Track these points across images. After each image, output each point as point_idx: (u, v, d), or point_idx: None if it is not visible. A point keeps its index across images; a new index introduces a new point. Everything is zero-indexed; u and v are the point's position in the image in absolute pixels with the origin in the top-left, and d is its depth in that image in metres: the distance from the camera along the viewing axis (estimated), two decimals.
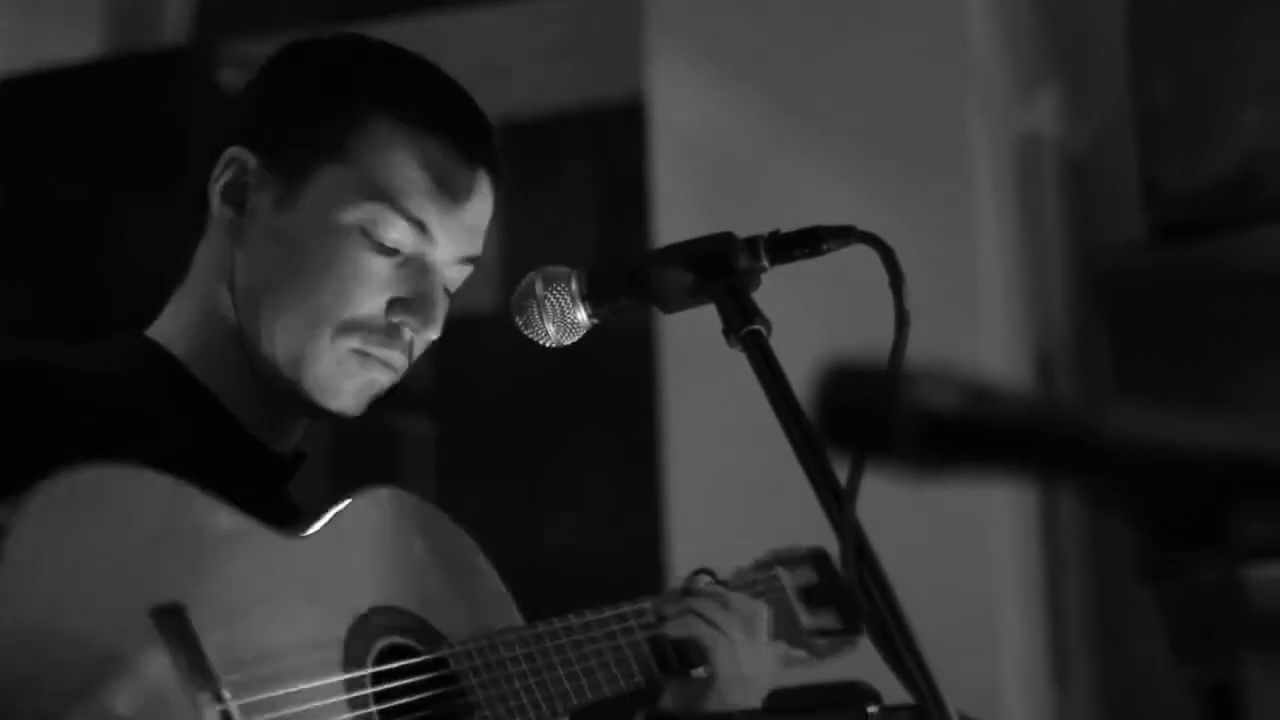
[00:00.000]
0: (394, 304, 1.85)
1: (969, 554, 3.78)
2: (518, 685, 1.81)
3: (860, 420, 0.87)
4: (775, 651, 1.94)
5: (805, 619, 2.04)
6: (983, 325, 3.86)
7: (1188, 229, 3.93)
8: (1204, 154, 3.89)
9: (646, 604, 1.93)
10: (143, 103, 4.63)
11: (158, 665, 1.57)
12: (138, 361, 1.89)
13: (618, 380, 4.33)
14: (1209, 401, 3.80)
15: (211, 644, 1.60)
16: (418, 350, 1.90)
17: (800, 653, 2.01)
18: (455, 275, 1.90)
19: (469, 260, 1.90)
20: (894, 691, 1.50)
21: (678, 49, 4.12)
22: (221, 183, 1.89)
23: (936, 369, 0.87)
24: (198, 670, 1.58)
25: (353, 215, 1.82)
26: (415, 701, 1.75)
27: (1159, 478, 0.89)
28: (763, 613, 1.93)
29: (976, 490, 3.61)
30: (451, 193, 1.86)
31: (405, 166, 1.84)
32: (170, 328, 1.92)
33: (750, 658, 1.88)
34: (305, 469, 1.97)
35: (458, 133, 1.88)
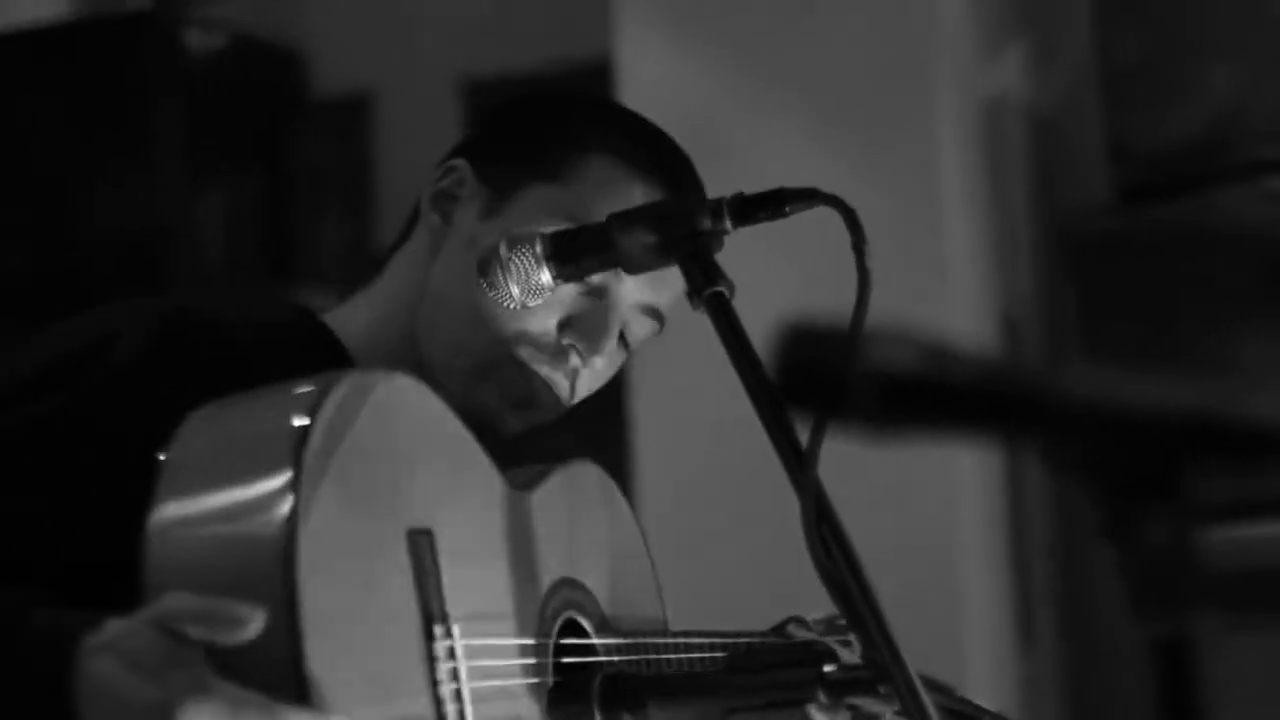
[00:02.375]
0: (565, 325, 1.84)
1: (932, 515, 3.80)
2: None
3: (818, 380, 0.87)
4: None
5: None
6: (949, 286, 3.87)
7: (1154, 189, 3.94)
8: (1171, 114, 3.90)
9: (783, 639, 1.92)
10: (109, 65, 4.62)
11: (399, 585, 1.57)
12: (304, 338, 1.89)
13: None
14: (1174, 361, 3.81)
15: (449, 579, 1.60)
16: (583, 385, 1.89)
17: None
18: (637, 324, 1.89)
19: (654, 312, 1.89)
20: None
21: (645, 10, 4.11)
22: (436, 189, 1.90)
23: (895, 329, 0.88)
24: (437, 600, 1.58)
25: (549, 230, 1.79)
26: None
27: (1113, 437, 0.89)
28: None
29: (940, 451, 3.62)
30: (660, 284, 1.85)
31: (613, 199, 1.83)
32: (348, 319, 1.92)
33: None
34: None
35: (669, 183, 1.88)
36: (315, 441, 1.50)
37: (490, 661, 1.62)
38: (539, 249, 1.73)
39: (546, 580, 1.75)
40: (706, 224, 1.67)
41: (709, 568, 3.71)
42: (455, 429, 1.69)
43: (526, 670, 1.68)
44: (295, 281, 5.07)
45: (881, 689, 1.49)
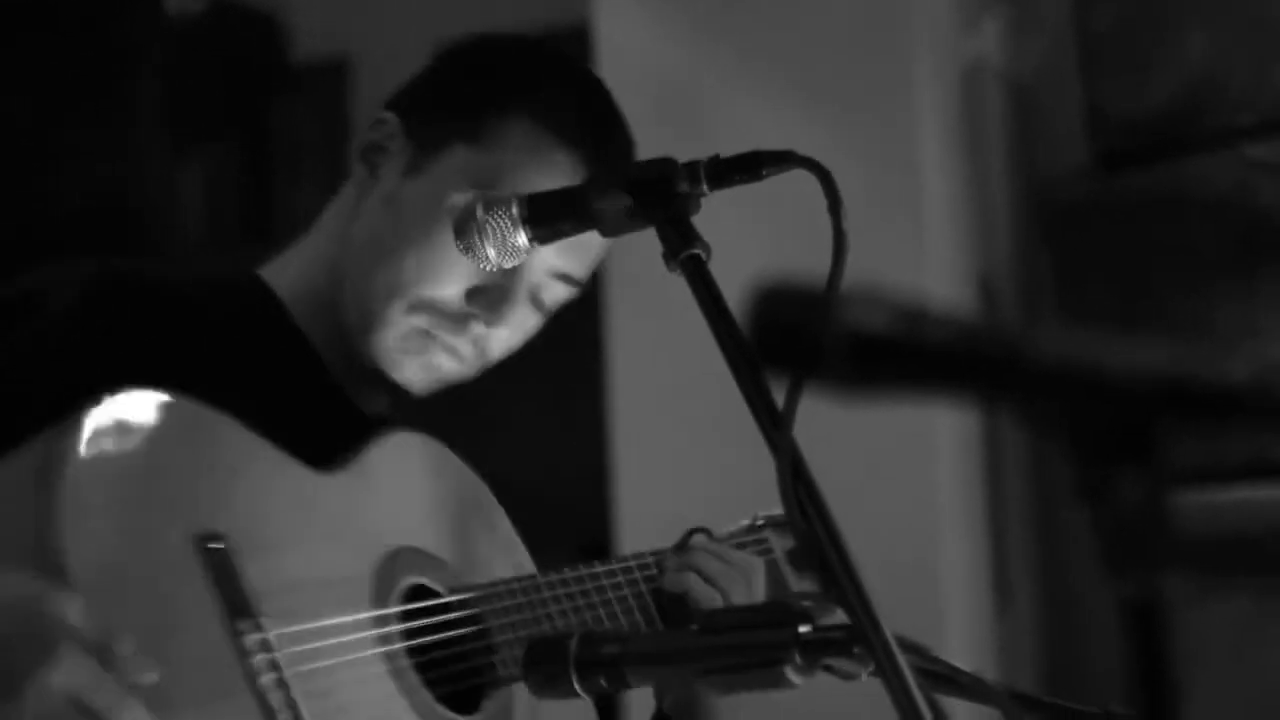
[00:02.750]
0: (472, 293, 1.88)
1: (910, 477, 3.81)
2: (532, 630, 1.83)
3: (792, 341, 0.88)
4: None
5: (793, 582, 2.06)
6: (926, 250, 3.87)
7: (1131, 156, 3.94)
8: (1148, 81, 3.90)
9: (649, 556, 1.95)
10: (88, 30, 4.60)
11: (195, 593, 1.57)
12: (242, 294, 1.90)
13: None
14: (1150, 327, 3.82)
15: (247, 574, 1.61)
16: (492, 349, 1.92)
17: None
18: (552, 289, 1.93)
19: (568, 279, 1.92)
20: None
21: None
22: (366, 141, 1.94)
23: (869, 291, 0.88)
24: (238, 598, 1.58)
25: (462, 198, 1.83)
26: (439, 641, 1.77)
27: (1087, 398, 0.90)
28: (760, 569, 1.95)
29: (917, 414, 3.63)
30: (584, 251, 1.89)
31: (528, 169, 1.87)
32: (281, 272, 1.95)
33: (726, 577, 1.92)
34: None
35: (592, 153, 1.91)
36: (68, 486, 1.51)
37: (317, 644, 1.63)
38: (515, 211, 1.73)
39: (376, 553, 1.75)
40: (683, 187, 1.68)
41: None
42: (229, 430, 1.69)
43: (367, 643, 1.68)
44: (274, 247, 5.07)
45: (857, 650, 1.50)
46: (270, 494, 1.69)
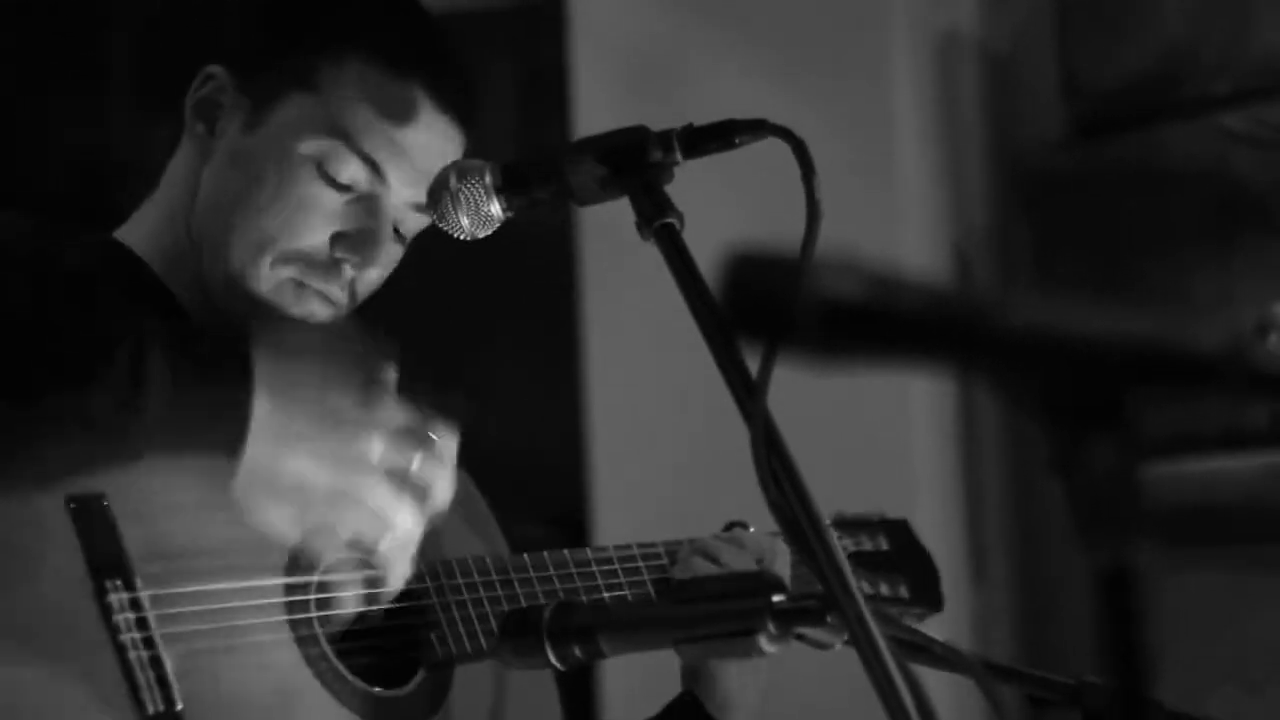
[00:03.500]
0: (337, 239, 1.87)
1: (884, 448, 3.81)
2: (488, 610, 1.81)
3: (766, 309, 0.87)
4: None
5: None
6: (901, 219, 3.87)
7: (1107, 124, 3.94)
8: (1124, 49, 3.89)
9: (659, 547, 1.93)
10: None
11: (66, 554, 1.56)
12: (102, 257, 1.89)
13: (537, 274, 4.32)
14: (1125, 296, 3.83)
15: (133, 535, 1.59)
16: (362, 290, 1.91)
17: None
18: (410, 220, 1.91)
19: (424, 207, 1.89)
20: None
21: None
22: (197, 98, 1.92)
23: (843, 259, 0.88)
24: (109, 558, 1.57)
25: (310, 147, 1.85)
26: (364, 614, 1.75)
27: (1060, 366, 0.90)
28: (781, 553, 1.93)
29: (892, 382, 3.63)
30: (410, 137, 1.87)
31: (367, 106, 1.86)
32: (136, 232, 1.93)
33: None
34: None
35: (428, 82, 1.89)
36: None
37: (200, 607, 1.61)
38: (488, 180, 1.73)
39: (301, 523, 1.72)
40: (656, 155, 1.67)
41: (661, 505, 3.72)
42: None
43: (267, 611, 1.67)
44: None
45: (830, 619, 1.50)
46: (170, 461, 1.66)
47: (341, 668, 1.71)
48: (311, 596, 1.71)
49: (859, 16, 3.91)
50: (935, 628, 1.90)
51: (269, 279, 1.85)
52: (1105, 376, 0.89)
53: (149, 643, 1.58)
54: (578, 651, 1.58)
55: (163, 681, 1.58)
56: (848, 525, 2.10)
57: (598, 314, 3.97)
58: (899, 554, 2.08)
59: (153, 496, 1.64)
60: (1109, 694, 0.91)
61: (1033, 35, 4.23)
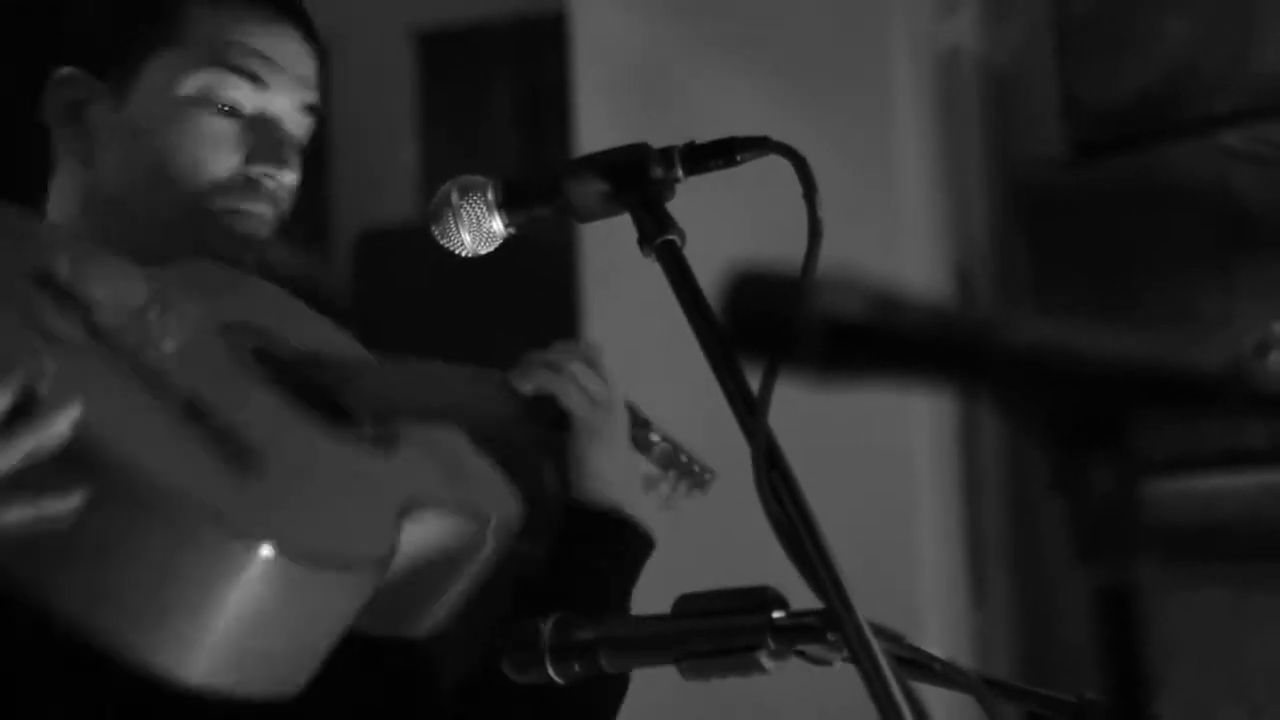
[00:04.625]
0: (248, 159, 1.90)
1: (886, 465, 3.81)
2: (396, 399, 1.86)
3: (767, 327, 0.87)
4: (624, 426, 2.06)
5: (657, 435, 2.17)
6: (902, 237, 3.87)
7: (1107, 143, 3.95)
8: (1125, 67, 3.90)
9: (498, 372, 1.98)
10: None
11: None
12: None
13: (538, 290, 4.33)
14: (1126, 315, 3.83)
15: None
16: (283, 196, 1.95)
17: (657, 469, 2.13)
18: (299, 126, 1.96)
19: (310, 109, 1.96)
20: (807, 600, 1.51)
21: None
22: (57, 107, 1.93)
23: (844, 277, 0.88)
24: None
25: (189, 86, 1.88)
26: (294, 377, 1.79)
27: (1061, 385, 0.90)
28: (598, 349, 2.04)
29: (893, 400, 3.63)
30: (275, 46, 1.92)
31: (226, 33, 1.90)
32: None
33: (599, 389, 2.01)
34: None
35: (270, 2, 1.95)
36: None
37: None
38: (490, 196, 1.74)
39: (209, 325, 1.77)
40: (658, 172, 1.67)
41: (662, 524, 3.71)
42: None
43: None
44: None
45: (831, 636, 1.50)
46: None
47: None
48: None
49: (861, 34, 3.92)
50: (935, 645, 1.90)
51: (199, 222, 1.88)
52: (1106, 395, 0.90)
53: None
54: (578, 667, 1.58)
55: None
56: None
57: (599, 330, 3.97)
58: None
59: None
60: (1110, 712, 0.90)
61: (1034, 54, 4.24)
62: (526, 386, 1.97)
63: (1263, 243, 3.77)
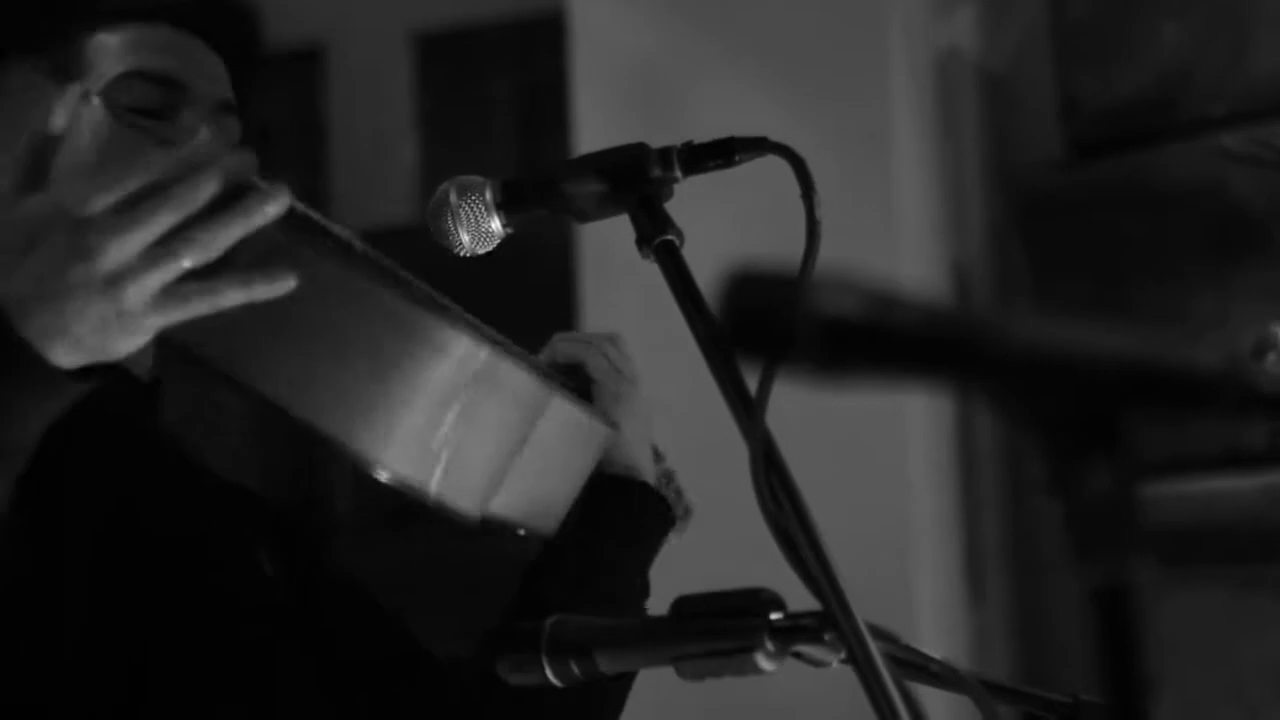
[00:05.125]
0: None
1: (883, 465, 3.81)
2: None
3: (762, 325, 0.87)
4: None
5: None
6: (900, 238, 3.88)
7: (1104, 145, 3.95)
8: (1122, 70, 3.90)
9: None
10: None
11: None
12: None
13: (536, 291, 4.33)
14: (1122, 315, 3.83)
15: None
16: None
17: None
18: (227, 129, 1.91)
19: (228, 106, 1.91)
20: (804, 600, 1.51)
21: None
22: None
23: (839, 276, 0.88)
24: None
25: (72, 94, 1.76)
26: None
27: (1057, 386, 0.90)
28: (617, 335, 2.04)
29: (890, 401, 3.63)
30: (183, 62, 1.88)
31: (134, 57, 1.85)
32: None
33: (623, 360, 2.01)
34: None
35: (161, 19, 1.91)
36: None
37: None
38: (488, 196, 1.74)
39: None
40: (656, 172, 1.68)
41: None
42: None
43: None
44: None
45: (829, 637, 1.50)
46: None
47: None
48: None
49: (858, 36, 3.92)
50: (932, 646, 1.90)
51: None
52: (1103, 396, 0.90)
53: None
54: (575, 668, 1.58)
55: None
56: None
57: (597, 329, 3.97)
58: None
59: None
60: (1106, 713, 0.91)
61: (1031, 56, 4.24)
62: (552, 354, 1.97)
63: (1259, 244, 3.78)
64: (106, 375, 1.48)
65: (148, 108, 1.84)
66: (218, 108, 1.90)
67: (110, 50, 1.87)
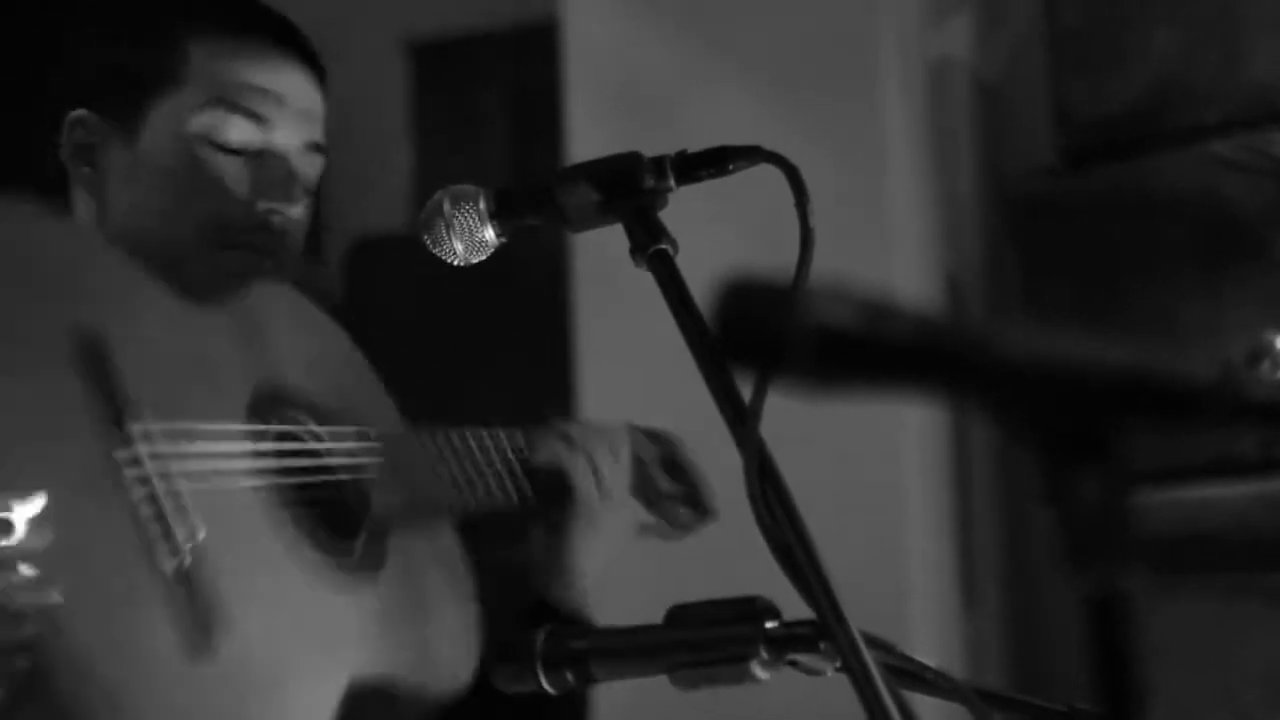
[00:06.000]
0: (255, 194, 1.92)
1: (876, 474, 3.81)
2: (411, 477, 1.89)
3: (757, 335, 0.87)
4: (632, 507, 2.06)
5: (665, 484, 2.10)
6: (893, 246, 3.88)
7: (1098, 153, 3.95)
8: (1115, 77, 3.91)
9: (517, 431, 1.99)
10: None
11: (70, 383, 1.60)
12: None
13: (530, 300, 4.32)
14: (1115, 323, 3.83)
15: (132, 371, 1.66)
16: (294, 231, 1.97)
17: (655, 520, 2.11)
18: (306, 165, 1.98)
19: (316, 148, 1.99)
20: (798, 609, 1.51)
21: None
22: (71, 147, 1.97)
23: (833, 286, 0.88)
24: (110, 394, 1.62)
25: (194, 126, 1.90)
26: (315, 466, 1.81)
27: (1050, 395, 0.90)
28: (625, 436, 2.06)
29: (884, 410, 3.63)
30: (277, 84, 1.95)
31: (229, 73, 1.92)
32: None
33: (613, 481, 2.00)
34: None
35: (265, 32, 1.97)
36: None
37: (194, 446, 1.67)
38: (482, 205, 1.74)
39: (251, 384, 1.79)
40: (649, 182, 1.68)
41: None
42: (103, 248, 1.77)
43: (240, 455, 1.72)
44: None
45: (823, 646, 1.50)
46: (144, 310, 1.74)
47: (291, 519, 1.76)
48: (272, 445, 1.77)
49: (851, 44, 3.92)
50: (926, 655, 1.90)
51: (210, 260, 1.89)
52: (1096, 405, 0.90)
53: (144, 481, 1.62)
54: (570, 677, 1.58)
55: (183, 510, 1.63)
56: (651, 435, 2.19)
57: (591, 339, 3.97)
58: (678, 465, 2.17)
59: (140, 338, 1.71)
60: None
61: (1024, 63, 4.24)
62: (540, 455, 1.98)
63: (1252, 252, 3.78)
64: None
65: (232, 145, 1.91)
66: (305, 148, 1.98)
67: (208, 65, 1.92)
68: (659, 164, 1.69)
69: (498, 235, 1.75)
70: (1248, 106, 3.80)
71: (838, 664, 1.47)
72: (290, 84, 1.97)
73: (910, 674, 1.54)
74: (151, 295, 1.75)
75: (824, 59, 3.92)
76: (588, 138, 3.94)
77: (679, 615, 1.54)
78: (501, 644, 1.63)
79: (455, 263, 1.78)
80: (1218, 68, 3.84)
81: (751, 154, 1.68)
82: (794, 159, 1.64)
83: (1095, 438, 0.90)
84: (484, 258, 1.77)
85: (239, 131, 1.92)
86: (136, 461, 1.62)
